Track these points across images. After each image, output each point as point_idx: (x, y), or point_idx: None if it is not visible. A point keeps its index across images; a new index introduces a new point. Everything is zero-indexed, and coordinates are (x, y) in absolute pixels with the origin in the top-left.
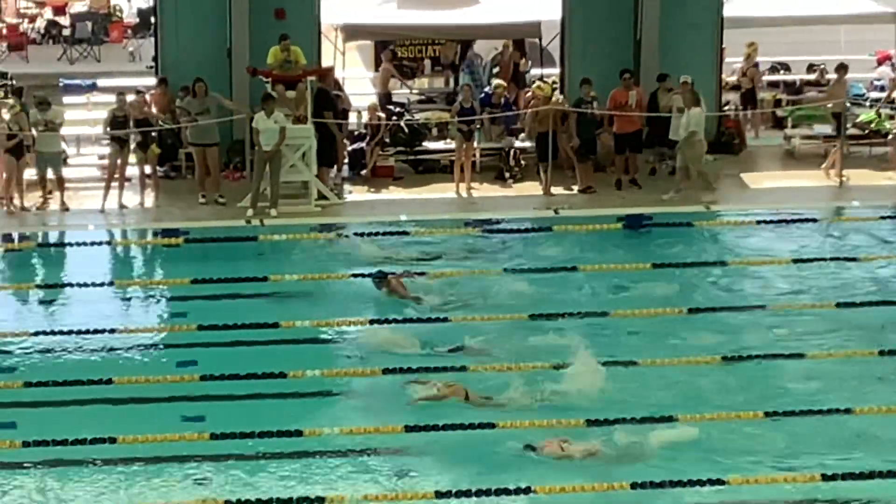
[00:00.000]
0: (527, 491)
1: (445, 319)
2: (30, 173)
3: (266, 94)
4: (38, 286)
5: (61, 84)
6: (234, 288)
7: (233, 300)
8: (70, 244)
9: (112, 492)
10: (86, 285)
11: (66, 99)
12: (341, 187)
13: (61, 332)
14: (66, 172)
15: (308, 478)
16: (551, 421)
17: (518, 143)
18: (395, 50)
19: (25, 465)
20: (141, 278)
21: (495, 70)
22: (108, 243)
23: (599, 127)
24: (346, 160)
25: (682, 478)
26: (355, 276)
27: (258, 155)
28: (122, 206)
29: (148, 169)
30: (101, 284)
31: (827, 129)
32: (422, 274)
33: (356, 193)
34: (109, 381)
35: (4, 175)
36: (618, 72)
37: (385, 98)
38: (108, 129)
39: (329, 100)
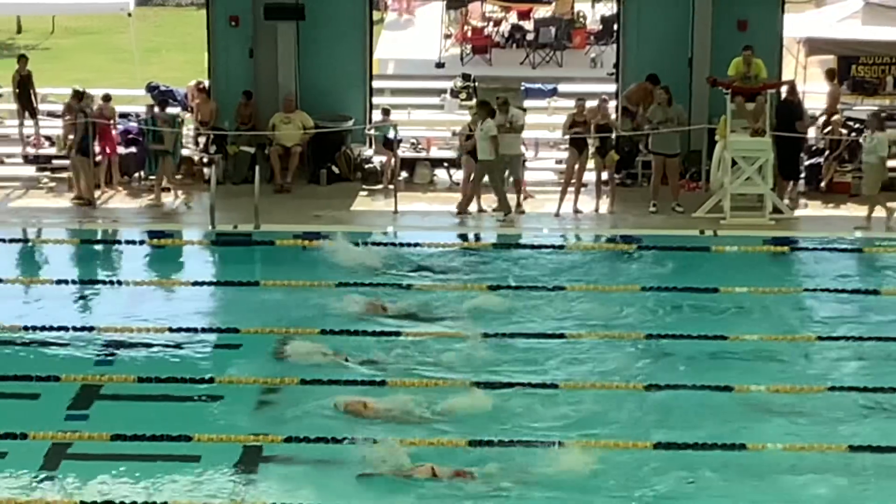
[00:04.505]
0: None
1: None
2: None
3: (480, 101)
4: (492, 286)
5: (522, 88)
6: (683, 297)
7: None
8: (524, 246)
9: None
10: (535, 288)
11: (527, 103)
12: (797, 201)
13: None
14: (525, 175)
15: None
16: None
17: None
18: (850, 66)
19: None
20: (591, 284)
21: None
22: (561, 247)
23: None
24: (803, 174)
25: None
26: (807, 290)
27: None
28: (576, 211)
29: (605, 175)
30: (554, 288)
31: None
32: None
33: (811, 208)
34: (555, 386)
35: (462, 175)
36: None
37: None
38: (567, 133)
39: (795, 112)
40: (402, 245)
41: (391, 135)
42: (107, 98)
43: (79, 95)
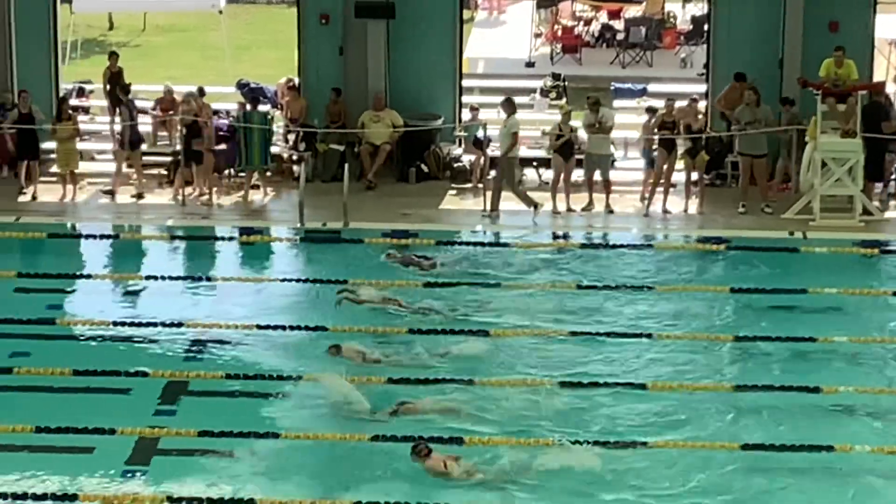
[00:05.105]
0: None
1: None
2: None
3: (505, 98)
4: (580, 287)
5: (612, 87)
6: (772, 299)
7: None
8: (612, 246)
9: None
10: (622, 287)
11: (617, 102)
12: (887, 203)
13: (597, 334)
14: (613, 175)
15: None
16: None
17: None
18: None
19: None
20: (679, 284)
21: None
22: (649, 246)
23: None
24: (894, 176)
25: None
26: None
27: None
28: (665, 212)
29: (695, 175)
30: (642, 287)
31: None
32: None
33: None
34: (643, 386)
35: (552, 175)
36: None
37: None
38: (656, 133)
39: (882, 113)
40: (487, 245)
41: (480, 133)
42: (201, 93)
43: (125, 89)
